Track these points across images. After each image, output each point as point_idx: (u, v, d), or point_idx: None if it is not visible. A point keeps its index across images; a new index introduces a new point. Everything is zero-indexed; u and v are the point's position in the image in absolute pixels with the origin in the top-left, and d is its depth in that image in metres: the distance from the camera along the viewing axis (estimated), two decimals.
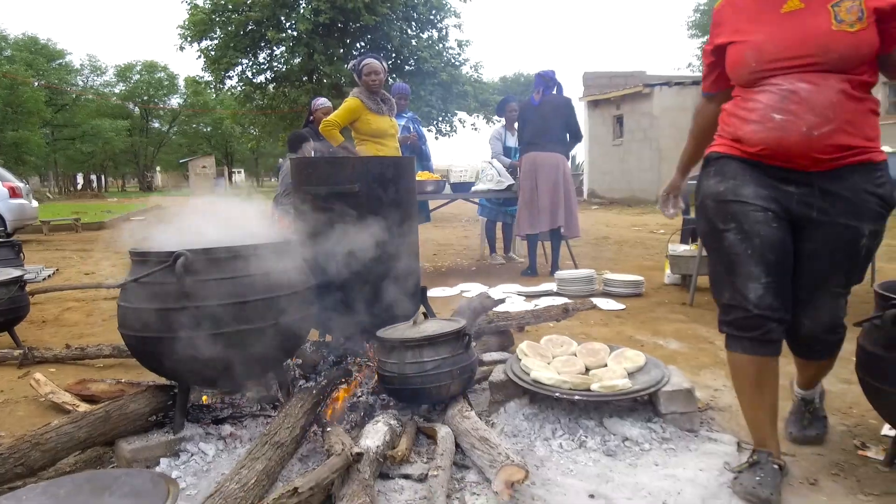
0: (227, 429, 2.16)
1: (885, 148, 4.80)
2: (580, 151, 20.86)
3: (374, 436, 1.93)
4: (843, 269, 1.73)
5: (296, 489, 1.59)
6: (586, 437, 2.07)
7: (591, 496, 1.76)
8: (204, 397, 2.39)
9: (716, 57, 1.88)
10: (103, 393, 2.63)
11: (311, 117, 6.14)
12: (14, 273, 3.65)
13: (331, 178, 2.54)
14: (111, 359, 3.30)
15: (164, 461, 2.00)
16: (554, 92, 5.69)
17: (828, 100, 1.60)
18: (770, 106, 1.66)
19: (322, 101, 6.20)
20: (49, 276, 6.55)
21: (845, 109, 1.61)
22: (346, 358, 2.57)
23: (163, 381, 2.33)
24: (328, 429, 1.97)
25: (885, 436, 2.12)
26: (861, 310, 2.10)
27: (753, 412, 1.86)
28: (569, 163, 5.84)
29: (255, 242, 2.10)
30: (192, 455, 2.04)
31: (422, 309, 2.79)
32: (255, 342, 2.03)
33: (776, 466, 1.79)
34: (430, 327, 2.29)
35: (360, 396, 2.32)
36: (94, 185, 49.97)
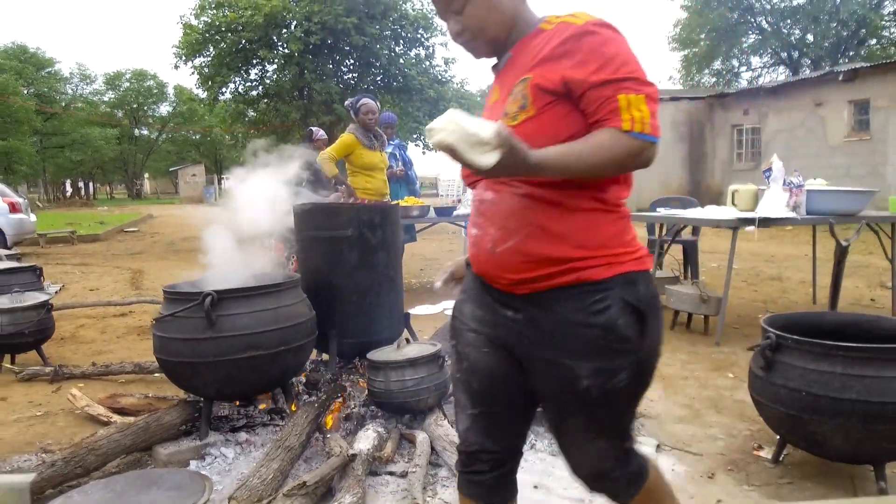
0: (242, 436, 2.61)
1: (819, 181, 4.80)
2: None
3: (366, 441, 2.41)
4: (579, 417, 1.33)
5: (304, 483, 2.06)
6: (536, 440, 2.56)
7: (536, 486, 2.25)
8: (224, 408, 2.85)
9: None
10: (132, 406, 3.04)
11: (313, 144, 6.75)
12: (41, 297, 4.09)
13: (328, 224, 3.02)
14: (132, 374, 3.73)
15: (193, 463, 2.45)
16: None
17: (508, 208, 1.28)
18: (470, 220, 1.39)
19: (322, 133, 6.86)
20: (56, 291, 6.91)
21: (532, 216, 1.26)
22: (341, 376, 3.04)
23: (182, 394, 2.78)
24: (328, 435, 2.44)
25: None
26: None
27: None
28: None
29: (268, 283, 2.58)
30: (215, 458, 2.49)
31: (405, 334, 3.27)
32: (268, 365, 2.50)
33: None
34: (412, 350, 2.76)
35: (353, 409, 2.79)
36: (83, 192, 50.02)
